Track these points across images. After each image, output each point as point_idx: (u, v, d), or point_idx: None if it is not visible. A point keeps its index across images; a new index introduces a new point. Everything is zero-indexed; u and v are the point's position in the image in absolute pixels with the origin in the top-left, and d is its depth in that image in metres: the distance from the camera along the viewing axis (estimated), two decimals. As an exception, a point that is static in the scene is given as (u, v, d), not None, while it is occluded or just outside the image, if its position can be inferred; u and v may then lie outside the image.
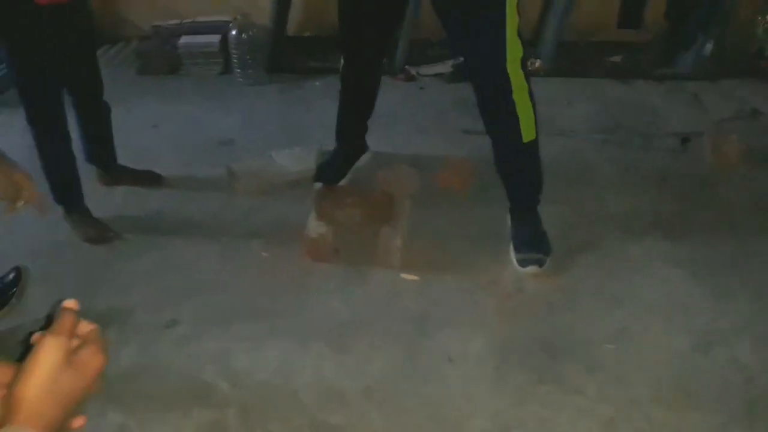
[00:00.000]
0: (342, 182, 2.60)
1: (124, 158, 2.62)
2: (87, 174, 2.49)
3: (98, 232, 2.32)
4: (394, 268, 2.13)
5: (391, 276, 2.12)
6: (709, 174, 2.63)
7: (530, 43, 3.59)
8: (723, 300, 1.98)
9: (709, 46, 3.53)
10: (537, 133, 2.03)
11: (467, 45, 1.97)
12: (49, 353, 0.61)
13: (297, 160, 2.71)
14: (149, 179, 2.64)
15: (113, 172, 2.60)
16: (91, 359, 0.64)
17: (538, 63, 3.52)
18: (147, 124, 3.15)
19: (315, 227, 2.20)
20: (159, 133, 3.09)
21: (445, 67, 3.60)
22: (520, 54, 1.92)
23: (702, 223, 2.33)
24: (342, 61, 2.48)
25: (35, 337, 0.64)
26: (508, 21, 1.86)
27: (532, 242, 2.14)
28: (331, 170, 2.62)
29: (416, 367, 1.78)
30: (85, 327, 0.68)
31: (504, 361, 1.78)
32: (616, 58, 3.66)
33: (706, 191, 2.51)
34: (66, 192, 2.30)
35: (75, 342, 0.65)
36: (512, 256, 2.14)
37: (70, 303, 0.67)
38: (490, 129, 2.09)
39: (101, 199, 2.50)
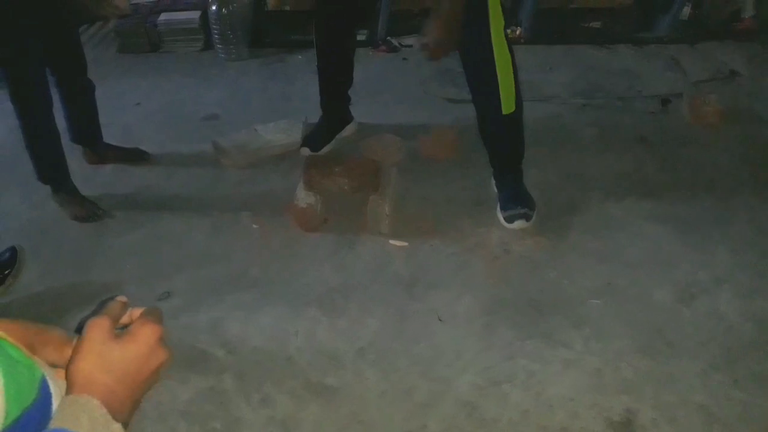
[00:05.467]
0: (327, 147, 2.63)
1: (108, 137, 2.62)
2: (73, 153, 2.49)
3: (86, 210, 2.32)
4: (383, 235, 2.16)
5: (380, 242, 2.15)
6: (688, 134, 2.68)
7: (510, 11, 3.61)
8: (704, 254, 2.04)
9: (686, 10, 3.56)
10: (517, 105, 2.06)
11: None
12: (91, 329, 0.64)
13: (282, 133, 2.72)
14: (135, 156, 2.64)
15: (99, 151, 2.60)
16: (140, 329, 0.65)
17: (518, 31, 3.53)
18: (130, 102, 3.14)
19: (304, 197, 2.22)
20: (142, 111, 3.08)
21: (427, 37, 3.60)
22: (503, 24, 1.95)
23: (682, 181, 2.38)
24: (314, 30, 2.49)
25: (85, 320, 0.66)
26: None
27: (517, 198, 2.20)
28: (317, 135, 2.65)
29: (407, 328, 1.82)
30: (136, 311, 0.70)
31: (492, 318, 1.83)
32: (596, 24, 3.68)
33: (685, 151, 2.56)
34: (51, 170, 2.30)
35: (124, 322, 0.67)
36: (499, 215, 2.19)
37: (120, 298, 0.70)
38: (474, 99, 2.13)
39: (89, 177, 2.51)
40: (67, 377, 0.62)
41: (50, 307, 1.96)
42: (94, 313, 0.66)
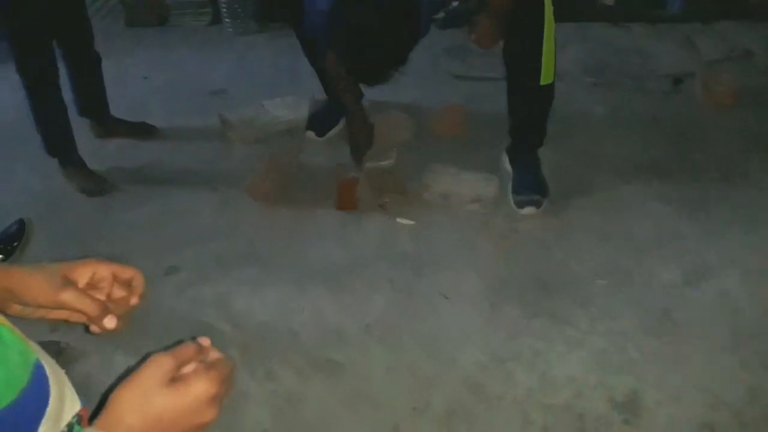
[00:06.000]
0: (333, 131, 2.60)
1: (115, 110, 2.61)
2: (81, 127, 2.49)
3: (93, 183, 2.33)
4: (389, 213, 2.16)
5: (386, 220, 2.15)
6: (700, 115, 2.65)
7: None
8: (713, 236, 2.02)
9: (701, -13, 3.50)
10: (555, 76, 2.04)
11: None
12: (150, 365, 0.62)
13: (289, 109, 2.71)
14: (143, 130, 2.64)
15: (107, 124, 2.60)
16: (196, 382, 0.62)
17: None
18: (137, 76, 3.13)
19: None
20: (149, 85, 3.07)
21: (438, 13, 3.56)
22: None
23: (693, 163, 2.36)
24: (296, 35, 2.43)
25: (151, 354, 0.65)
26: None
27: (532, 184, 2.18)
28: (323, 119, 2.62)
29: (413, 305, 1.82)
30: (214, 353, 0.67)
31: (498, 297, 1.83)
32: (609, 1, 3.62)
33: (697, 132, 2.53)
34: (59, 143, 2.30)
35: (191, 367, 0.65)
36: (510, 197, 2.17)
37: (203, 340, 0.68)
38: (511, 65, 2.09)
39: (96, 151, 2.51)
40: (110, 399, 0.62)
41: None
42: (166, 349, 0.64)
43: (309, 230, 2.13)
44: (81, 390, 0.63)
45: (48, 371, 0.59)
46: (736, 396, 1.53)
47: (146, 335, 1.73)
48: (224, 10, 3.53)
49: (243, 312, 1.83)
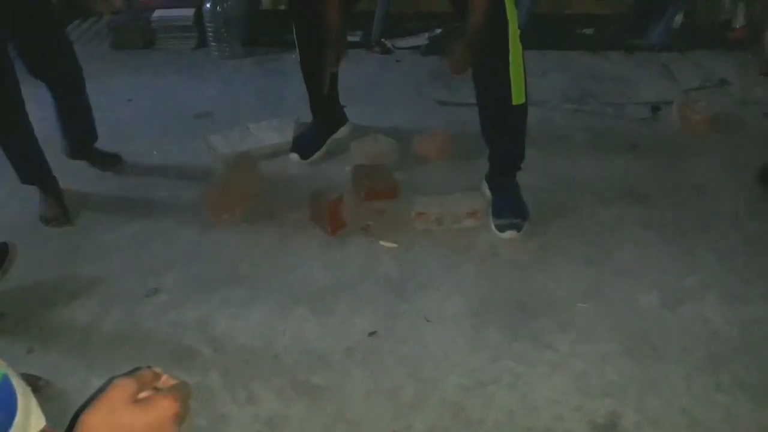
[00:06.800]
0: (318, 154, 2.62)
1: (100, 132, 2.58)
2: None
3: (51, 213, 2.26)
4: (373, 236, 2.17)
5: (370, 243, 2.16)
6: (678, 141, 2.70)
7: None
8: (691, 260, 2.05)
9: (679, 18, 3.57)
10: (526, 98, 2.07)
11: None
12: (114, 388, 0.66)
13: (274, 132, 2.72)
14: (109, 163, 2.57)
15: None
16: (160, 402, 0.66)
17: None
18: (122, 99, 3.13)
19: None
20: (134, 107, 3.07)
21: (421, 39, 3.62)
22: (516, 15, 1.97)
23: (671, 188, 2.40)
24: (295, 35, 2.44)
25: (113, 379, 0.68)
26: None
27: (512, 208, 2.20)
28: (307, 142, 2.63)
29: (395, 328, 1.83)
30: (169, 381, 0.71)
31: (479, 320, 1.84)
32: (589, 30, 3.70)
33: (675, 157, 2.58)
34: (27, 171, 2.25)
35: (150, 391, 0.68)
36: (491, 221, 2.19)
37: (156, 369, 0.71)
38: (481, 90, 2.12)
39: (77, 172, 2.50)
40: (79, 420, 0.64)
41: (37, 301, 1.95)
42: (126, 375, 0.68)
43: (292, 253, 2.13)
44: (57, 410, 0.63)
45: (15, 384, 0.60)
46: (714, 418, 1.55)
47: (125, 358, 1.73)
48: (210, 33, 3.55)
49: (224, 335, 1.82)
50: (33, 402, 0.62)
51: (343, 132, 2.72)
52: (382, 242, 2.16)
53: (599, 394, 1.62)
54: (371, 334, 1.80)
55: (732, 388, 1.62)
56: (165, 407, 0.66)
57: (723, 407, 1.58)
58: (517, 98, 2.04)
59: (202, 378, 1.68)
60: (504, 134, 2.19)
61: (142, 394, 0.67)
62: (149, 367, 0.71)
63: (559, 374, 1.68)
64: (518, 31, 1.97)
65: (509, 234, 2.15)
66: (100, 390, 0.66)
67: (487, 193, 2.30)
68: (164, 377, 0.71)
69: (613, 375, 1.67)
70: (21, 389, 0.61)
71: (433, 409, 1.59)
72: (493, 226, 2.18)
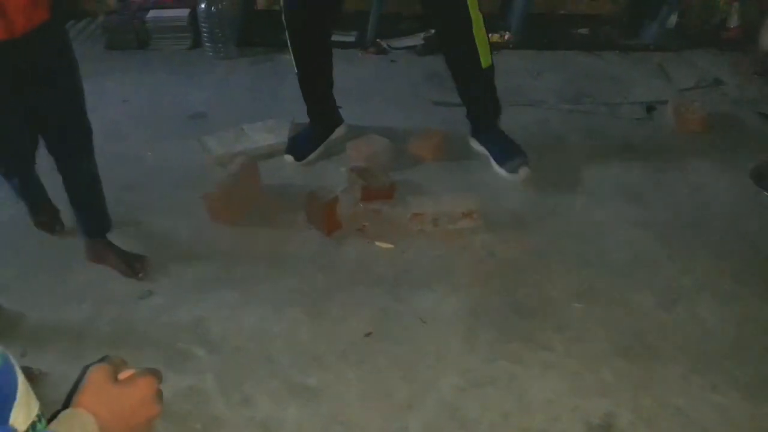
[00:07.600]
0: (313, 155, 2.62)
1: (94, 133, 2.56)
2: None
3: (47, 217, 2.24)
4: (369, 237, 2.17)
5: (365, 244, 2.15)
6: (672, 140, 2.70)
7: (499, 16, 3.63)
8: (685, 259, 2.06)
9: (673, 18, 3.58)
10: (492, 61, 2.34)
11: None
12: (94, 372, 0.72)
13: (269, 133, 2.71)
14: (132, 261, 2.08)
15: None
16: (140, 378, 0.73)
17: (507, 35, 3.54)
18: (117, 99, 3.12)
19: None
20: (129, 108, 3.06)
21: (416, 40, 3.61)
22: None
23: (666, 187, 2.40)
24: (288, 38, 2.47)
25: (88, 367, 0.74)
26: None
27: (510, 149, 2.39)
28: (303, 143, 2.63)
29: (390, 329, 1.83)
30: (136, 372, 0.76)
31: (475, 321, 1.84)
32: (584, 31, 3.70)
33: (669, 157, 2.58)
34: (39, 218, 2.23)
35: (127, 372, 0.75)
36: (498, 170, 2.33)
37: (120, 358, 0.78)
38: (452, 61, 2.42)
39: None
40: (72, 403, 0.70)
41: (30, 305, 1.94)
42: (97, 362, 0.74)
43: (287, 254, 2.13)
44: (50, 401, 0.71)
45: (15, 365, 0.65)
46: (709, 418, 1.55)
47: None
48: (205, 34, 3.54)
49: (219, 336, 1.82)
50: (29, 386, 0.67)
51: (338, 133, 2.71)
52: (377, 243, 2.16)
53: (594, 394, 1.62)
54: (366, 335, 1.80)
55: (727, 387, 1.62)
56: (147, 384, 0.73)
57: (718, 407, 1.58)
58: (485, 62, 2.31)
59: (196, 381, 1.67)
60: (480, 93, 2.45)
61: (122, 375, 0.74)
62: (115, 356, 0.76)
63: (554, 375, 1.68)
64: (476, 1, 2.21)
65: (523, 172, 2.31)
66: (80, 378, 0.72)
67: (479, 147, 2.48)
68: (131, 368, 0.76)
69: (607, 375, 1.67)
70: (19, 371, 0.66)
71: (428, 410, 1.59)
72: (503, 173, 2.32)
